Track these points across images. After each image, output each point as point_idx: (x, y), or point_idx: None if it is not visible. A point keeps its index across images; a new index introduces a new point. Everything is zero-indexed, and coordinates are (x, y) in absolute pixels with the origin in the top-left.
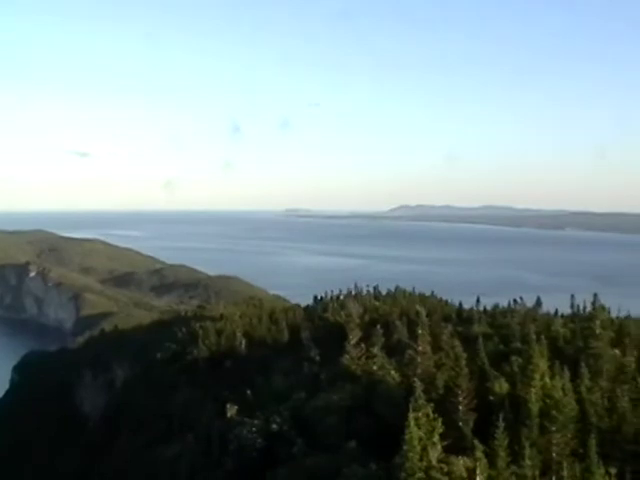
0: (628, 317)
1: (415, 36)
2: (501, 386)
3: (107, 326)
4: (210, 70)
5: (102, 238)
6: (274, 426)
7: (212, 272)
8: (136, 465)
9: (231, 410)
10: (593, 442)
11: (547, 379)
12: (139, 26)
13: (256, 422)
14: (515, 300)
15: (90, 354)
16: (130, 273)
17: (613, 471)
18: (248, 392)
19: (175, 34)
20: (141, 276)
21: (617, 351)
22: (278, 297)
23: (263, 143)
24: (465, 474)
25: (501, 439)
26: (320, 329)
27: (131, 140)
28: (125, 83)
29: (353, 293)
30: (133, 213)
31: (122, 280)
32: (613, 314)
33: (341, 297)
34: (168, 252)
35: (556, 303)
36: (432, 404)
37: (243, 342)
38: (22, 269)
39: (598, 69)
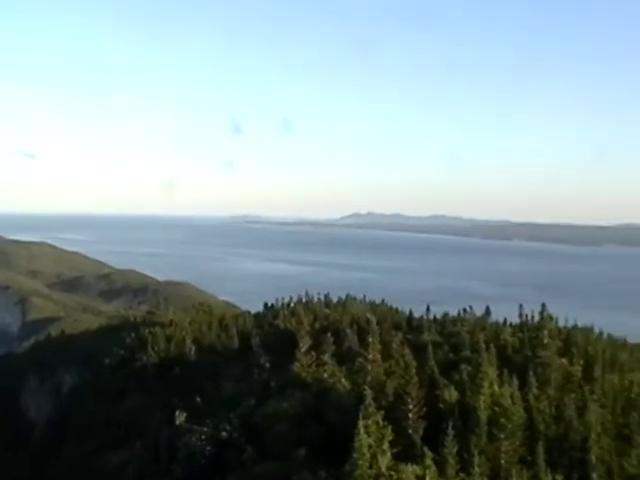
0: (575, 327)
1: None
2: (450, 394)
3: (54, 331)
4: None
5: (49, 241)
6: (224, 433)
7: (161, 277)
8: (83, 472)
9: (180, 417)
10: (541, 449)
11: (496, 387)
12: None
13: (205, 429)
14: (464, 309)
15: (36, 359)
16: (78, 277)
17: (560, 478)
18: (197, 399)
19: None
20: (89, 280)
21: (564, 360)
22: (228, 304)
23: (215, 149)
24: None
25: (450, 447)
26: (270, 336)
27: (81, 142)
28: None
29: (304, 300)
30: (81, 217)
31: (70, 284)
32: (560, 324)
33: (292, 304)
34: (117, 257)
35: (505, 312)
36: (382, 412)
37: (193, 348)
38: None
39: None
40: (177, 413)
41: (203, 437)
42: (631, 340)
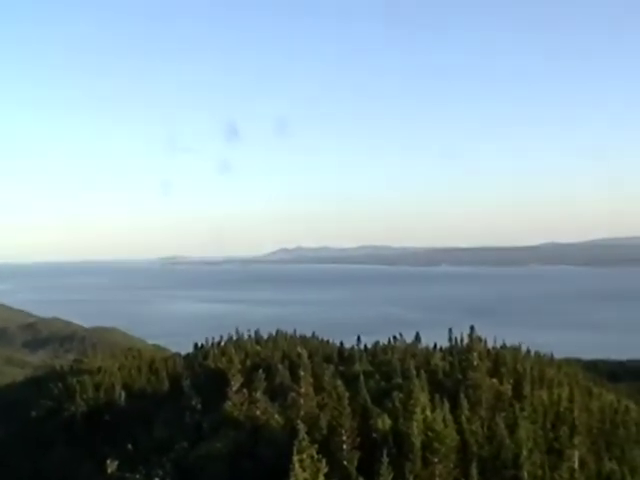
0: (503, 346)
1: None
2: (384, 422)
3: None
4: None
5: None
6: (156, 479)
7: (88, 324)
8: None
9: (111, 466)
10: (474, 470)
11: (428, 412)
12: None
13: (138, 477)
14: (395, 337)
15: None
16: (1, 329)
17: None
18: (129, 446)
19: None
20: (13, 331)
21: (494, 380)
22: (157, 347)
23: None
24: None
25: (385, 475)
26: (201, 377)
27: None
28: None
29: (234, 338)
30: (3, 266)
31: None
32: (489, 344)
33: (222, 343)
34: (42, 305)
35: (435, 337)
36: (316, 445)
37: (122, 394)
38: None
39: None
40: (108, 462)
41: None
42: (558, 356)
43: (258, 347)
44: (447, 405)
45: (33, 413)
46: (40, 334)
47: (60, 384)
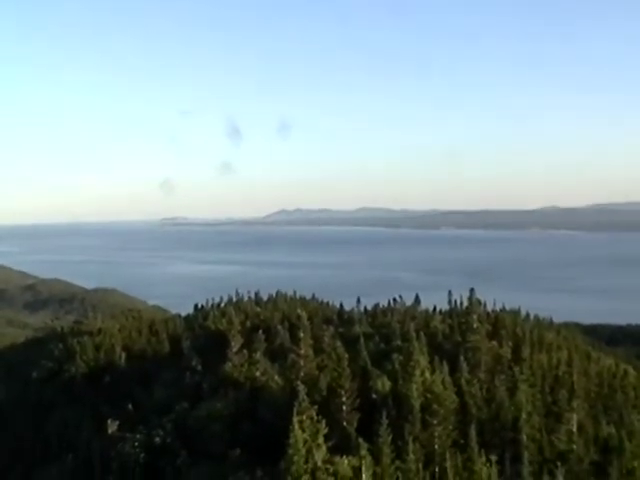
0: (503, 310)
1: None
2: (383, 384)
3: None
4: None
5: None
6: (157, 439)
7: (88, 285)
8: None
9: (112, 426)
10: (473, 432)
11: (427, 374)
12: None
13: (138, 436)
14: (394, 299)
15: None
16: (1, 290)
17: (494, 458)
18: (129, 406)
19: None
20: (13, 293)
21: (494, 343)
22: (158, 308)
23: (143, 149)
24: (351, 473)
25: (385, 436)
26: (201, 338)
27: None
28: None
29: (234, 300)
30: (8, 227)
31: None
32: (489, 308)
33: (222, 305)
34: (43, 266)
35: (434, 300)
36: (316, 406)
37: (123, 356)
38: None
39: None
40: (109, 422)
41: (136, 444)
42: (557, 320)
43: (258, 309)
44: (446, 367)
45: (34, 374)
46: (40, 295)
47: (60, 345)
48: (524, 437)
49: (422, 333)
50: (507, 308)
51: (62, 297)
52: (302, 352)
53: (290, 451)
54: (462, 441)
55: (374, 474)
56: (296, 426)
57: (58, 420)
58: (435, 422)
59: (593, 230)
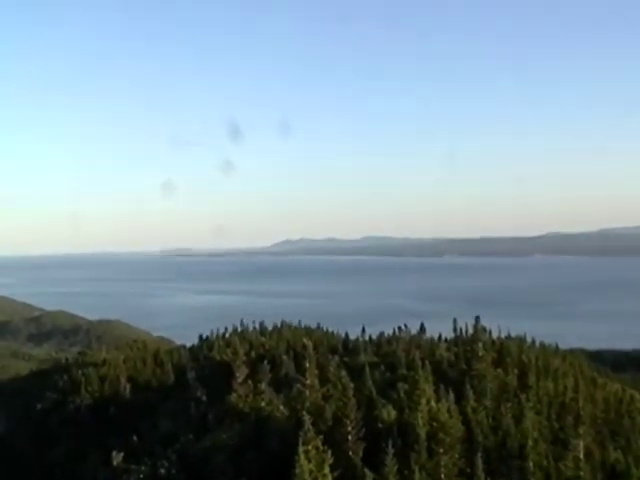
0: (508, 337)
1: None
2: (389, 413)
3: None
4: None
5: None
6: (162, 471)
7: (93, 317)
8: None
9: (117, 458)
10: (480, 460)
11: (433, 403)
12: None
13: (143, 468)
14: (399, 327)
15: None
16: (5, 322)
17: None
18: (134, 438)
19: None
20: (17, 325)
21: (499, 370)
22: (163, 339)
23: (141, 180)
24: None
25: (390, 466)
26: (206, 369)
27: None
28: None
29: (239, 330)
30: (8, 258)
31: None
32: (494, 335)
33: (227, 335)
34: (45, 298)
35: (439, 328)
36: (321, 436)
37: (127, 387)
38: None
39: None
40: (114, 454)
41: (141, 476)
42: (562, 346)
43: (263, 338)
44: (452, 396)
45: (38, 406)
46: (45, 327)
47: (65, 377)
48: (531, 464)
49: (427, 361)
50: (512, 335)
51: (66, 328)
52: (307, 382)
53: None
54: (468, 469)
55: None
56: (302, 456)
57: (63, 452)
58: (441, 451)
59: (597, 255)
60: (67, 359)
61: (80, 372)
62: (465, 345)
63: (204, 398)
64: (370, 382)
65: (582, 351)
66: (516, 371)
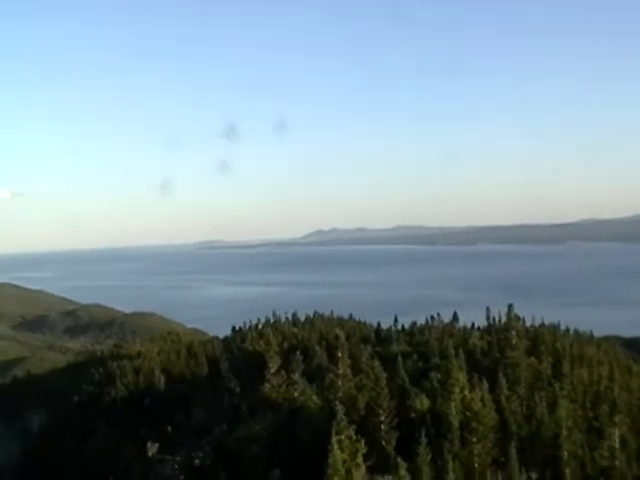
0: (542, 325)
1: None
2: (422, 402)
3: (20, 372)
4: None
5: (13, 282)
6: (196, 461)
7: (127, 310)
8: None
9: (152, 448)
10: (513, 450)
11: (466, 392)
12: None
13: (178, 458)
14: (432, 317)
15: (2, 403)
16: (42, 316)
17: (534, 476)
18: (169, 429)
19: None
20: (54, 318)
21: (533, 359)
22: (196, 331)
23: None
24: None
25: (424, 455)
26: (239, 360)
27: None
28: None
29: (272, 321)
30: (46, 254)
31: (34, 324)
32: (527, 323)
33: (259, 326)
34: (81, 292)
35: (472, 317)
36: (354, 426)
37: (162, 378)
38: None
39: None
40: (149, 445)
41: (176, 466)
42: (597, 334)
43: (295, 329)
44: (486, 384)
45: (75, 398)
46: (80, 320)
47: (101, 369)
48: (565, 454)
49: (460, 350)
50: (546, 323)
51: (102, 322)
52: (340, 372)
53: (329, 471)
54: (502, 459)
55: None
56: (335, 446)
57: (99, 443)
58: (474, 440)
59: (631, 241)
60: (102, 352)
61: (115, 364)
62: (498, 333)
63: (237, 389)
64: (403, 371)
65: (617, 338)
66: (550, 359)
